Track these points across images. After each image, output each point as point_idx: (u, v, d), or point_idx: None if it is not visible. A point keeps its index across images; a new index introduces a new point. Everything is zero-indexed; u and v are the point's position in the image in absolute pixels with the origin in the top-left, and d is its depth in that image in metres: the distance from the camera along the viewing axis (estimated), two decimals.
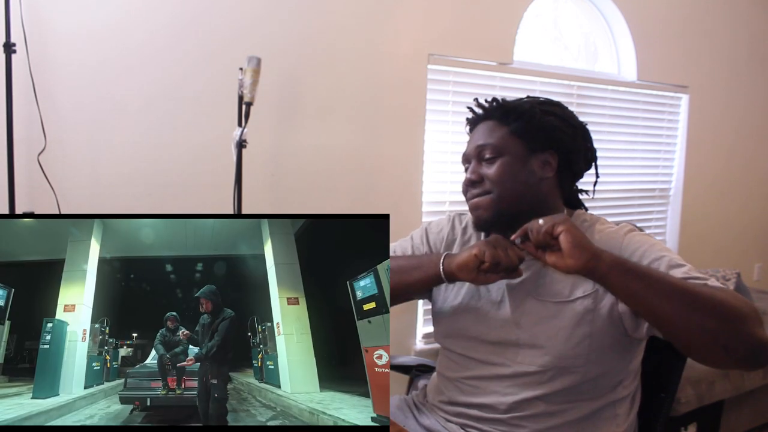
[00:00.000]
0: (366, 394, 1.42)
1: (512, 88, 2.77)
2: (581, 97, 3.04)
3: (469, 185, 1.19)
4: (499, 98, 1.23)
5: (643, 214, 3.46)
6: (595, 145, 1.24)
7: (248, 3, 2.12)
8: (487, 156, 1.16)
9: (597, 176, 1.26)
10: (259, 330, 2.57)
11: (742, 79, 3.72)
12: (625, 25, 3.13)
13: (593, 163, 1.25)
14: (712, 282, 0.98)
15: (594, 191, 1.27)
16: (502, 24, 2.73)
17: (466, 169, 1.22)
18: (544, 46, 3.07)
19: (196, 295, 1.62)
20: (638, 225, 1.17)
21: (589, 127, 1.24)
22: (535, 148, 1.16)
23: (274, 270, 2.21)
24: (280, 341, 2.14)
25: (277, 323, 2.18)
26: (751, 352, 0.90)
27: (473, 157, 1.19)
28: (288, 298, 2.15)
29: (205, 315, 1.62)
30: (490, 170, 1.16)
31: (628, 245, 1.09)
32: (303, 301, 2.18)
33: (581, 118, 1.23)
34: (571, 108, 1.24)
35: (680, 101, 3.48)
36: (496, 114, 1.19)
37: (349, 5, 2.32)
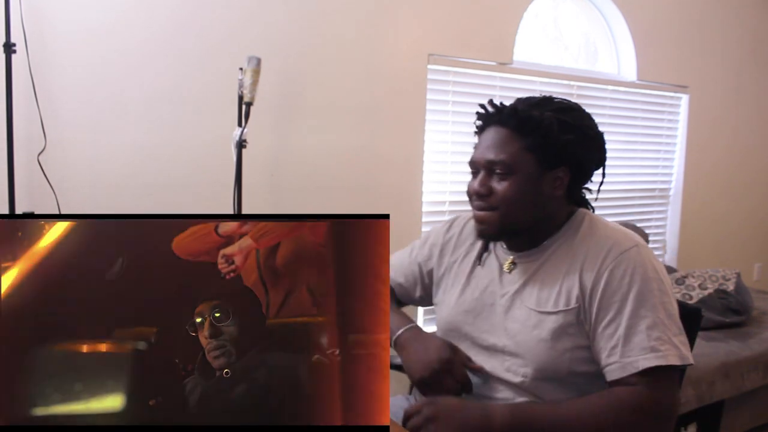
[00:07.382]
0: None
1: (512, 88, 2.77)
2: (581, 97, 3.03)
3: (476, 196, 1.14)
4: (516, 103, 1.14)
5: (643, 214, 3.44)
6: None
7: (248, 3, 2.12)
8: (498, 171, 1.11)
9: (603, 176, 1.21)
10: None
11: (742, 79, 3.72)
12: (625, 25, 3.13)
13: (602, 165, 1.20)
14: (676, 341, 1.02)
15: (599, 191, 1.22)
16: (502, 24, 2.73)
17: (473, 173, 1.17)
18: (544, 46, 3.07)
19: None
20: (638, 225, 1.16)
21: None
22: (549, 165, 1.11)
23: None
24: None
25: None
26: None
27: (482, 168, 1.13)
28: None
29: None
30: (500, 186, 1.11)
31: (616, 270, 1.06)
32: None
33: None
34: None
35: (680, 101, 3.48)
36: (510, 122, 1.11)
37: (349, 5, 2.32)
